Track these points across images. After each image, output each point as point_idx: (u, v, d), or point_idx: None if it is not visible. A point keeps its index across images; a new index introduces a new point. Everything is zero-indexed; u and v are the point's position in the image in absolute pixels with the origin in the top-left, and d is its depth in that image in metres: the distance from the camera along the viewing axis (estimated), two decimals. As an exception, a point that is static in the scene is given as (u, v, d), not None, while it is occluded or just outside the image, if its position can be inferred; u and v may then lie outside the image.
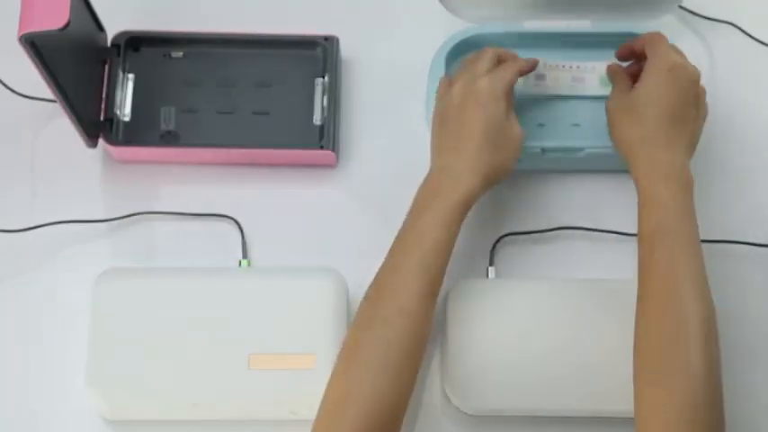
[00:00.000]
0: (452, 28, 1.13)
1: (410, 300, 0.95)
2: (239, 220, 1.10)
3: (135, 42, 1.14)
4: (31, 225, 1.09)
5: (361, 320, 0.96)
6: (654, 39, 1.06)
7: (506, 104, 1.03)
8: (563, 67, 1.13)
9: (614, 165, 1.12)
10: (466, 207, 1.00)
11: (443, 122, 1.03)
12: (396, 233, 0.99)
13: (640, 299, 0.97)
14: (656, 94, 1.02)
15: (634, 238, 1.09)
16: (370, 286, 0.97)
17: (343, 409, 0.92)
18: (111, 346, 1.00)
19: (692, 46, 1.16)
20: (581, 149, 1.10)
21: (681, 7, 1.18)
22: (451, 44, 1.13)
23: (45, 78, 1.00)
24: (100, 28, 1.12)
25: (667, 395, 0.91)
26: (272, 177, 1.12)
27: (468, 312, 1.03)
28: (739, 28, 1.18)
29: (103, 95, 1.12)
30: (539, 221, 1.10)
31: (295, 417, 1.01)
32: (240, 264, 1.08)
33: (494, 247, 1.09)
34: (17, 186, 1.12)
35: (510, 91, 1.04)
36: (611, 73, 1.10)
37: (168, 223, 1.10)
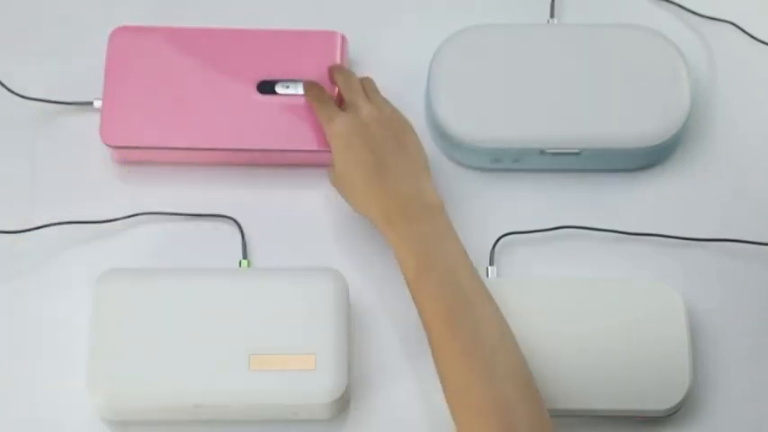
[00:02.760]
0: (453, 28, 1.13)
1: None
2: (239, 220, 1.10)
3: (134, 42, 1.14)
4: (31, 226, 1.09)
5: None
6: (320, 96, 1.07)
7: None
8: None
9: (614, 164, 1.12)
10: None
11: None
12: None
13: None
14: (346, 168, 1.03)
15: (634, 238, 1.10)
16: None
17: None
18: (111, 346, 1.00)
19: (691, 45, 1.16)
20: (581, 149, 1.10)
21: (681, 6, 1.18)
22: (452, 44, 1.13)
23: None
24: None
25: None
26: (273, 178, 1.12)
27: (469, 312, 1.03)
28: (739, 27, 1.18)
29: (103, 96, 1.12)
30: (539, 221, 1.10)
31: (295, 417, 1.02)
32: (240, 264, 1.08)
33: (494, 247, 1.09)
34: (17, 187, 1.12)
35: None
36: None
37: (168, 224, 1.10)
